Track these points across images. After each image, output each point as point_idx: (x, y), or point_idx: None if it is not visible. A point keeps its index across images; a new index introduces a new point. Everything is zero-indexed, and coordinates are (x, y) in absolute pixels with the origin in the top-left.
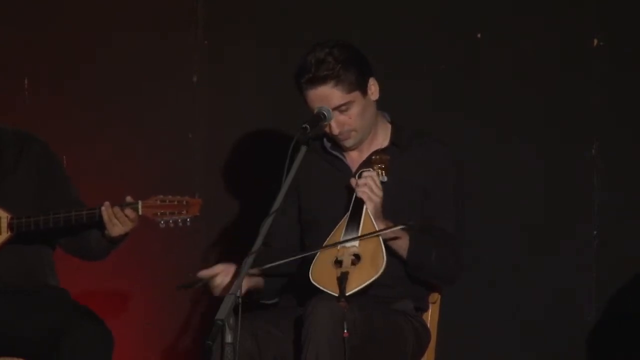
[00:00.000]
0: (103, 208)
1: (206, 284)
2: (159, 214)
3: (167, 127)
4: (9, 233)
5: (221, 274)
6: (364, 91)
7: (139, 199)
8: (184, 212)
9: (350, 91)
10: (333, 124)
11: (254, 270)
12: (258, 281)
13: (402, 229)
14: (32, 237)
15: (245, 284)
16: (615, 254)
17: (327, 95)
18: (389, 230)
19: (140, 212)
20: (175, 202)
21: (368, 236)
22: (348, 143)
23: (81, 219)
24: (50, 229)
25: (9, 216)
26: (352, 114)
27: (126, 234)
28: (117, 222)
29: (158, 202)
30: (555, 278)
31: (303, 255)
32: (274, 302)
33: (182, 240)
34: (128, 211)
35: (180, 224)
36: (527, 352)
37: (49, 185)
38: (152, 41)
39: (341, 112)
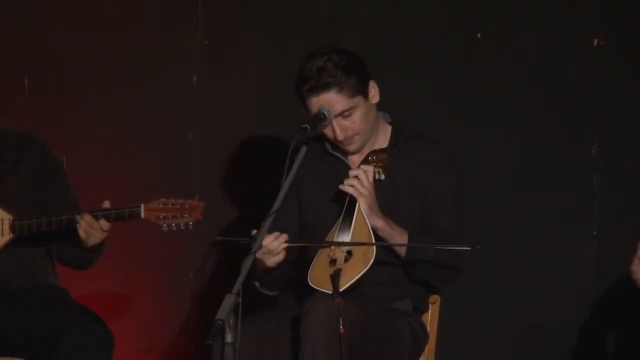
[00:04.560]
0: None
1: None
2: (161, 217)
3: (167, 127)
4: (11, 235)
5: (272, 237)
6: (365, 95)
7: (139, 199)
8: (187, 215)
9: (352, 96)
10: (337, 130)
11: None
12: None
13: (379, 244)
14: (32, 238)
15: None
16: (615, 254)
17: (330, 102)
18: (371, 244)
19: (142, 216)
20: (178, 206)
21: (348, 244)
22: (352, 148)
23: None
24: (52, 231)
25: (11, 218)
26: (355, 119)
27: (102, 242)
28: (93, 232)
29: (161, 205)
30: (555, 278)
31: (310, 244)
32: (273, 295)
33: (182, 239)
34: (102, 222)
35: (183, 228)
36: (526, 353)
37: (48, 186)
38: (152, 41)
39: (344, 117)
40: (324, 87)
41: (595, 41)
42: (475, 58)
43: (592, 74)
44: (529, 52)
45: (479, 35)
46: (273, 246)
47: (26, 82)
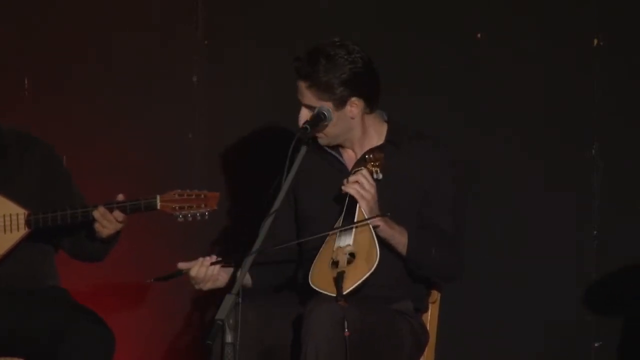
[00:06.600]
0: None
1: (184, 276)
2: (177, 208)
3: (167, 127)
4: (27, 229)
5: (196, 265)
6: (339, 106)
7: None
8: (203, 205)
9: (321, 98)
10: (299, 116)
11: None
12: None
13: (381, 216)
14: (35, 237)
15: (225, 278)
16: (615, 254)
17: (301, 90)
18: (364, 223)
19: (158, 207)
20: (194, 196)
21: (330, 233)
22: (319, 142)
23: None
24: (67, 225)
25: (26, 212)
26: None
27: (117, 233)
28: (107, 224)
29: (176, 196)
30: (555, 278)
31: (279, 247)
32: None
33: (181, 240)
34: (116, 213)
35: (199, 218)
36: (526, 353)
37: (54, 186)
38: (152, 41)
39: (309, 110)
40: (300, 74)
41: (595, 41)
42: (475, 58)
43: (592, 74)
44: (529, 52)
45: (479, 35)
46: (200, 274)
47: (26, 82)
